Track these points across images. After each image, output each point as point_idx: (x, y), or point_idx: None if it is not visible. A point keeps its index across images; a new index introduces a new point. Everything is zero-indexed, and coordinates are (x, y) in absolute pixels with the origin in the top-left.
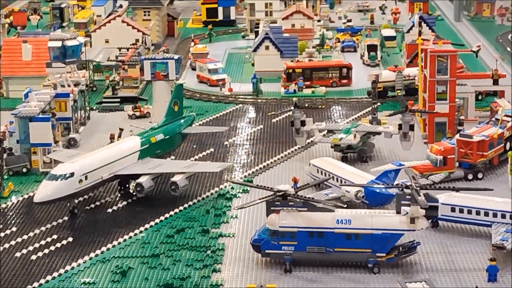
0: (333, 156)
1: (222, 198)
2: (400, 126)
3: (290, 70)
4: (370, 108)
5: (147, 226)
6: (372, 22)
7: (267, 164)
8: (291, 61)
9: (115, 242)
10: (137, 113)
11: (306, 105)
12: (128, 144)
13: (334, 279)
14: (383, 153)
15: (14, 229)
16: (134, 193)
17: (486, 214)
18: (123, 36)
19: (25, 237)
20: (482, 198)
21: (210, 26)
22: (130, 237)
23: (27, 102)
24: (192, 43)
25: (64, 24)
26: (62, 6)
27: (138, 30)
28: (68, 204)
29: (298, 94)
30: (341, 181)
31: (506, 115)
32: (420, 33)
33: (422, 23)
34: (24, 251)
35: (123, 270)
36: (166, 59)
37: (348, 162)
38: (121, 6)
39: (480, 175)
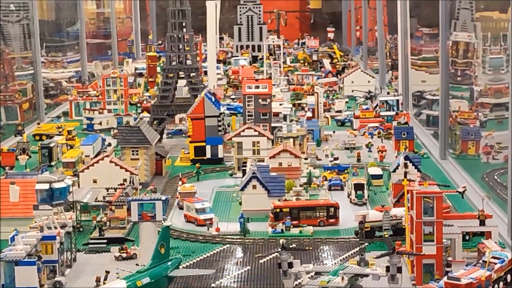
0: None
1: None
2: (388, 268)
3: (278, 210)
4: (358, 248)
5: None
6: (358, 160)
7: None
8: (279, 200)
9: None
10: (124, 255)
11: (293, 246)
12: None
13: None
14: None
15: None
16: None
17: None
18: (111, 176)
19: None
20: None
21: (198, 165)
22: None
23: (13, 245)
24: (180, 182)
25: (52, 164)
26: (51, 145)
27: (126, 170)
28: None
29: (285, 234)
30: None
31: (493, 257)
32: (405, 175)
33: (408, 162)
34: None
35: None
36: (153, 200)
37: None
38: (109, 144)
39: None
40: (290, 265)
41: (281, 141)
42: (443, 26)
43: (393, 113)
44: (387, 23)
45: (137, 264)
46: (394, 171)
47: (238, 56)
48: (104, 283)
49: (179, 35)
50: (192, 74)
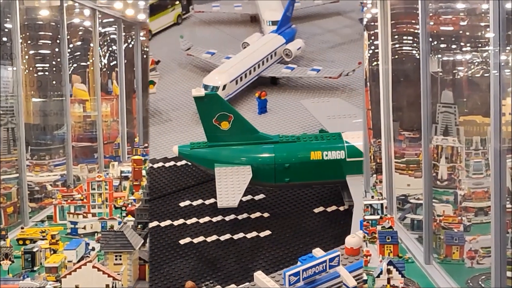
0: None
1: None
2: None
3: None
4: None
5: None
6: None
7: None
8: None
9: None
10: None
11: None
12: None
13: None
14: None
15: None
16: None
17: None
18: (94, 281)
19: None
20: None
21: None
22: None
23: None
24: None
25: (35, 269)
26: (34, 250)
27: (109, 275)
28: None
29: None
30: None
31: None
32: (389, 281)
33: (392, 268)
34: None
35: None
36: None
37: None
38: (93, 249)
39: None
40: None
41: None
42: (425, 130)
43: (378, 217)
44: (372, 127)
45: None
46: (378, 276)
47: None
48: None
49: None
50: None
